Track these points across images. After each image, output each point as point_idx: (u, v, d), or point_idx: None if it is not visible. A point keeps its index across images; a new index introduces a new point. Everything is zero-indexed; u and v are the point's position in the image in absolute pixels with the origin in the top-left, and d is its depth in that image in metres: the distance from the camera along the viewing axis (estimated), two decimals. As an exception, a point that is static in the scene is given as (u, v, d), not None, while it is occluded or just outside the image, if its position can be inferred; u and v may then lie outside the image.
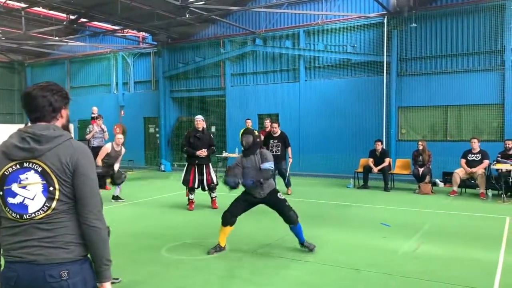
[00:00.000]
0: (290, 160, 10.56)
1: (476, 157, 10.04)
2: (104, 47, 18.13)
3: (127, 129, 16.74)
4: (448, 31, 12.30)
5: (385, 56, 12.75)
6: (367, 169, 11.33)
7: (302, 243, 5.61)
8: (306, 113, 14.16)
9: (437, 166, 11.40)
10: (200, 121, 8.46)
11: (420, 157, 10.76)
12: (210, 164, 8.59)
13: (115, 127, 15.96)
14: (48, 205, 1.96)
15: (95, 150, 10.77)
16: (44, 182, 1.96)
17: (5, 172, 1.97)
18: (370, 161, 11.36)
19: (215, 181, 8.50)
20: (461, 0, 12.16)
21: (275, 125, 10.42)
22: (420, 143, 10.91)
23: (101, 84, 19.01)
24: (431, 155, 10.87)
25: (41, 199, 1.96)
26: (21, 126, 13.48)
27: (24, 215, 1.95)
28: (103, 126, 11.79)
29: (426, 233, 6.62)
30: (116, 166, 9.02)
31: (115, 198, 9.50)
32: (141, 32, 17.03)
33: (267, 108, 14.80)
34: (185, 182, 8.41)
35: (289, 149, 10.46)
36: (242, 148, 5.67)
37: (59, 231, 1.97)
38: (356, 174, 11.75)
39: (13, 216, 1.96)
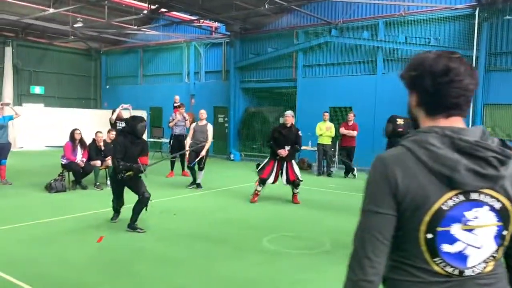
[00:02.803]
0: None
1: None
2: (177, 36, 18.49)
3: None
4: (546, 24, 11.42)
5: (474, 50, 12.02)
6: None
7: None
8: (382, 108, 13.63)
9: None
10: (289, 117, 8.25)
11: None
12: (293, 161, 8.38)
13: (186, 115, 16.30)
14: (494, 256, 1.38)
15: (178, 138, 11.28)
16: (501, 223, 1.35)
17: (443, 206, 1.32)
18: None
19: (300, 177, 8.31)
20: None
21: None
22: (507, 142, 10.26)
23: (173, 73, 19.44)
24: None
25: (489, 248, 1.36)
26: (96, 111, 13.91)
27: (465, 270, 1.35)
28: (185, 115, 12.12)
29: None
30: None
31: (198, 185, 9.75)
32: (215, 22, 17.19)
33: (340, 101, 14.46)
34: (260, 172, 8.31)
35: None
36: None
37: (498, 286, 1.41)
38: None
39: (445, 270, 1.35)
